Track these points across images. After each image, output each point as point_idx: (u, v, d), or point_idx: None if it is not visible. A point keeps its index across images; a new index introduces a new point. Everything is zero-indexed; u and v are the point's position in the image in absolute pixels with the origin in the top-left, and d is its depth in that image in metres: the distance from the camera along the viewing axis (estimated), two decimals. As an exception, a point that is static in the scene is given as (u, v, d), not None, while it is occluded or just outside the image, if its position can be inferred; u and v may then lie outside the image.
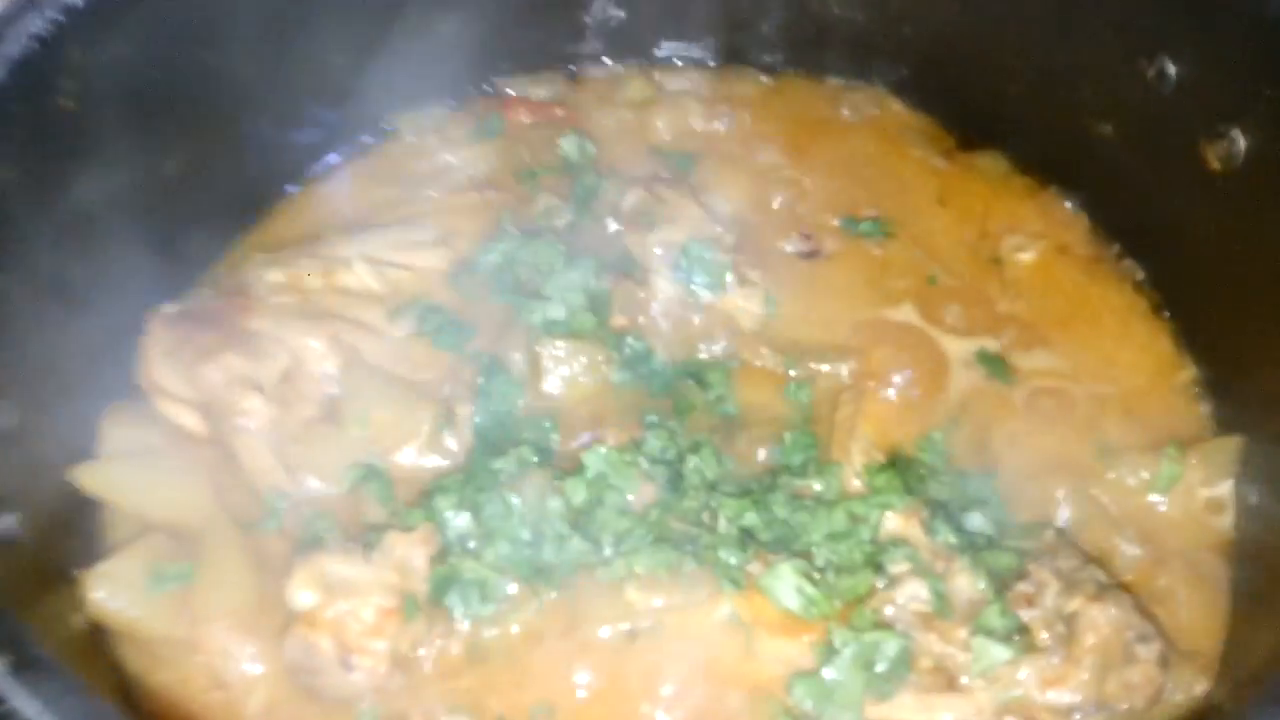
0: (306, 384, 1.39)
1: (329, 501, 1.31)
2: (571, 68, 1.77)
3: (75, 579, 1.19)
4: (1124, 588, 1.18)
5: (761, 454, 1.36)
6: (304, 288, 1.46)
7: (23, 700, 0.76)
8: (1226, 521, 1.31)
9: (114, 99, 1.30)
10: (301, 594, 1.15)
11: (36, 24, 1.22)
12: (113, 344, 1.38)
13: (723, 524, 1.26)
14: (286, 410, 1.36)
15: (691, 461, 1.29)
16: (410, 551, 1.21)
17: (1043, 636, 1.15)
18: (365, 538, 1.23)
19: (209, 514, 1.28)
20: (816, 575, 1.22)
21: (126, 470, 1.30)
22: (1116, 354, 1.47)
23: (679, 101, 1.72)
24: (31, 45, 1.21)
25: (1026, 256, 1.55)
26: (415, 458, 1.35)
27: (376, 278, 1.50)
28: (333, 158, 1.67)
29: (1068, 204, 1.59)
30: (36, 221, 1.25)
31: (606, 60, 1.77)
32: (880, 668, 1.16)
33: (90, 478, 1.28)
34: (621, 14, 1.70)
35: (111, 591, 1.18)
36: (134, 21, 1.31)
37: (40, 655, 0.80)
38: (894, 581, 1.21)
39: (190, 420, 1.37)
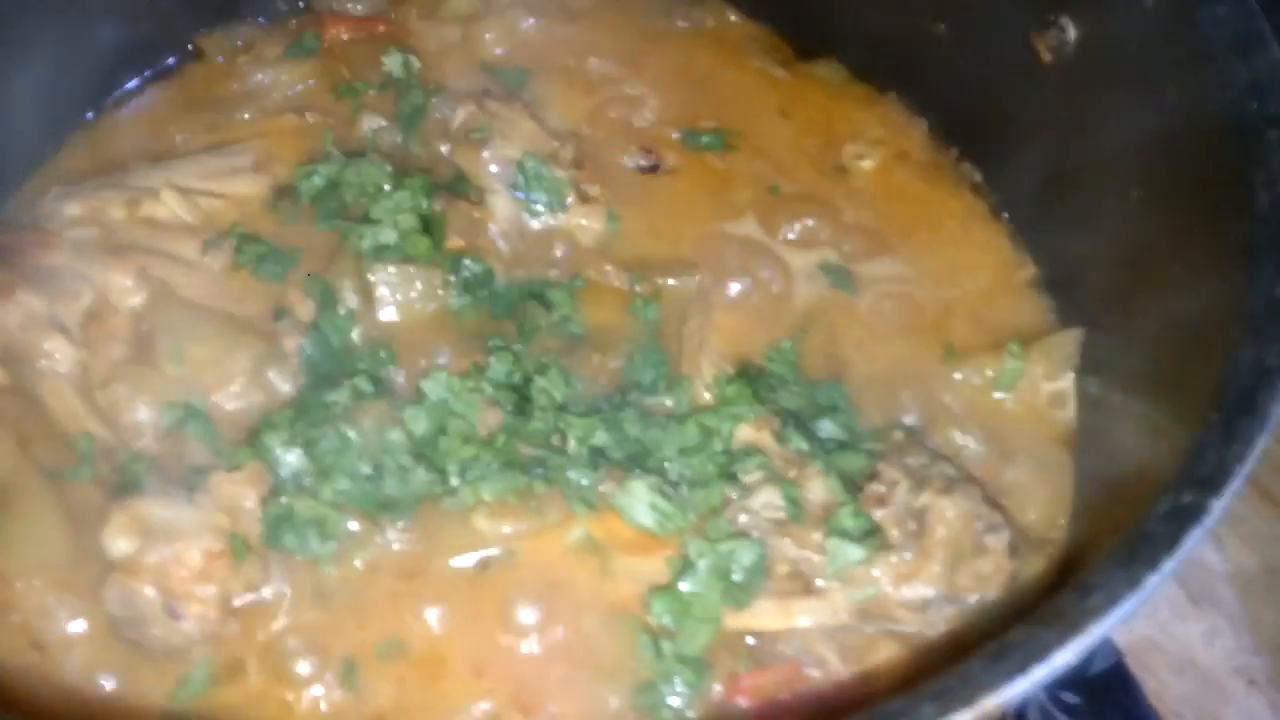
0: (114, 322, 1.28)
1: (146, 446, 1.21)
2: (392, -20, 1.67)
3: None
4: (972, 481, 1.18)
5: (611, 372, 1.32)
6: (106, 220, 1.35)
7: None
8: (1069, 414, 1.32)
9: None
10: (118, 541, 1.07)
11: None
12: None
13: (572, 445, 1.22)
14: (93, 351, 1.26)
15: (538, 383, 1.24)
16: (238, 491, 1.13)
17: (894, 534, 1.14)
18: (189, 481, 1.15)
19: (11, 465, 1.17)
20: (670, 490, 1.19)
21: (-88, 425, 1.18)
22: (958, 257, 1.47)
23: (507, 14, 1.65)
24: None
25: (867, 164, 1.54)
26: (239, 396, 1.26)
27: (187, 208, 1.39)
28: (133, 82, 1.54)
29: (905, 109, 1.58)
30: None
31: (429, -28, 1.68)
32: (737, 577, 1.14)
33: (-128, 436, 1.16)
34: (441, -83, 1.60)
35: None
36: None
37: None
38: (748, 491, 1.19)
39: (-14, 369, 1.26)
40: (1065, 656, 0.73)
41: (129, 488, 1.14)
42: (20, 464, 1.18)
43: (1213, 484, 0.84)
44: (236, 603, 1.11)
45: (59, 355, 1.24)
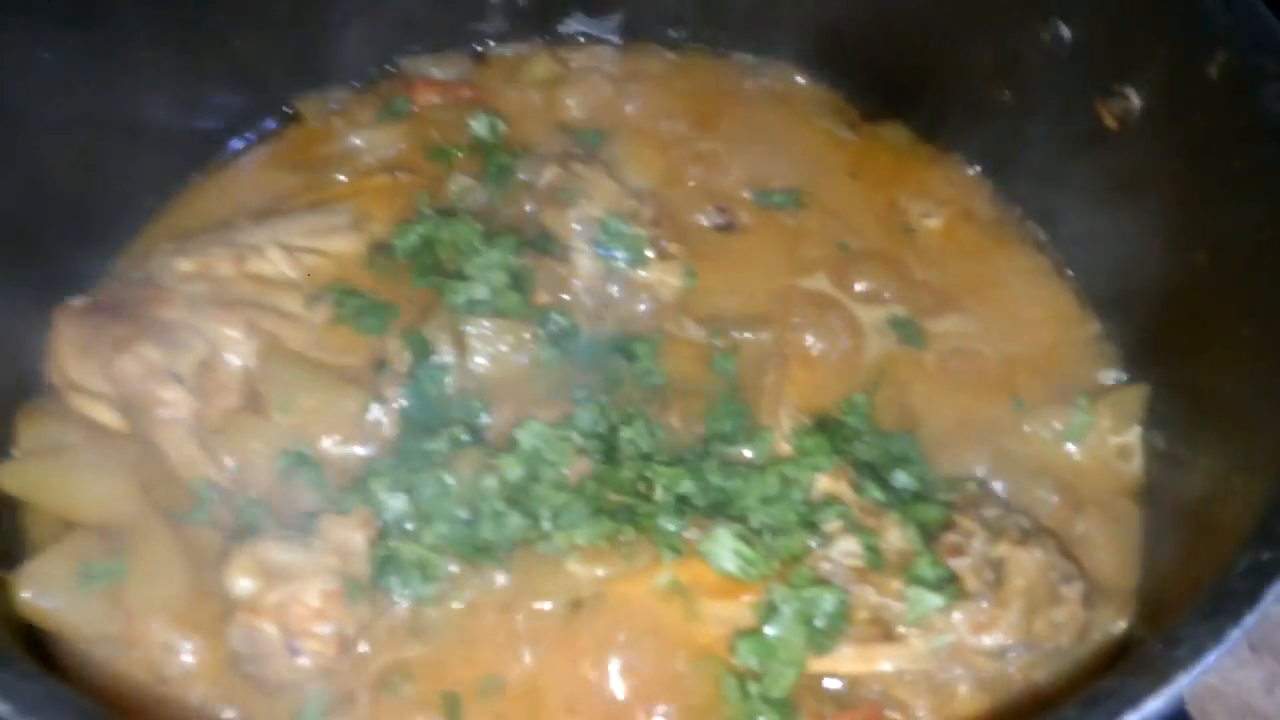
0: (225, 373, 1.36)
1: (259, 490, 1.29)
2: (476, 47, 1.76)
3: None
4: (1046, 532, 1.23)
5: (691, 423, 1.38)
6: (216, 276, 1.43)
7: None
8: (1136, 466, 1.37)
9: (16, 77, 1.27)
10: (240, 581, 1.14)
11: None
12: (19, 343, 1.35)
13: (659, 493, 1.28)
14: (207, 400, 1.34)
15: (626, 433, 1.30)
16: (348, 535, 1.20)
17: (972, 583, 1.19)
18: (301, 524, 1.22)
19: (136, 508, 1.25)
20: (753, 537, 1.25)
21: (46, 469, 1.27)
22: (1023, 313, 1.52)
23: (586, 79, 1.73)
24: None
25: (933, 223, 1.60)
26: (343, 443, 1.34)
27: (290, 264, 1.47)
28: (236, 143, 1.63)
29: (970, 170, 1.64)
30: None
31: (511, 39, 1.76)
32: (819, 622, 1.19)
33: (9, 478, 1.24)
34: (526, -9, 1.69)
35: (40, 591, 1.15)
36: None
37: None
38: (828, 539, 1.25)
39: (107, 415, 1.33)
40: (1155, 704, 0.78)
41: (247, 531, 1.21)
42: (143, 507, 1.25)
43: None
44: (349, 639, 1.17)
45: (176, 404, 1.31)
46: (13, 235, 1.32)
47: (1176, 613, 0.95)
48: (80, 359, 1.33)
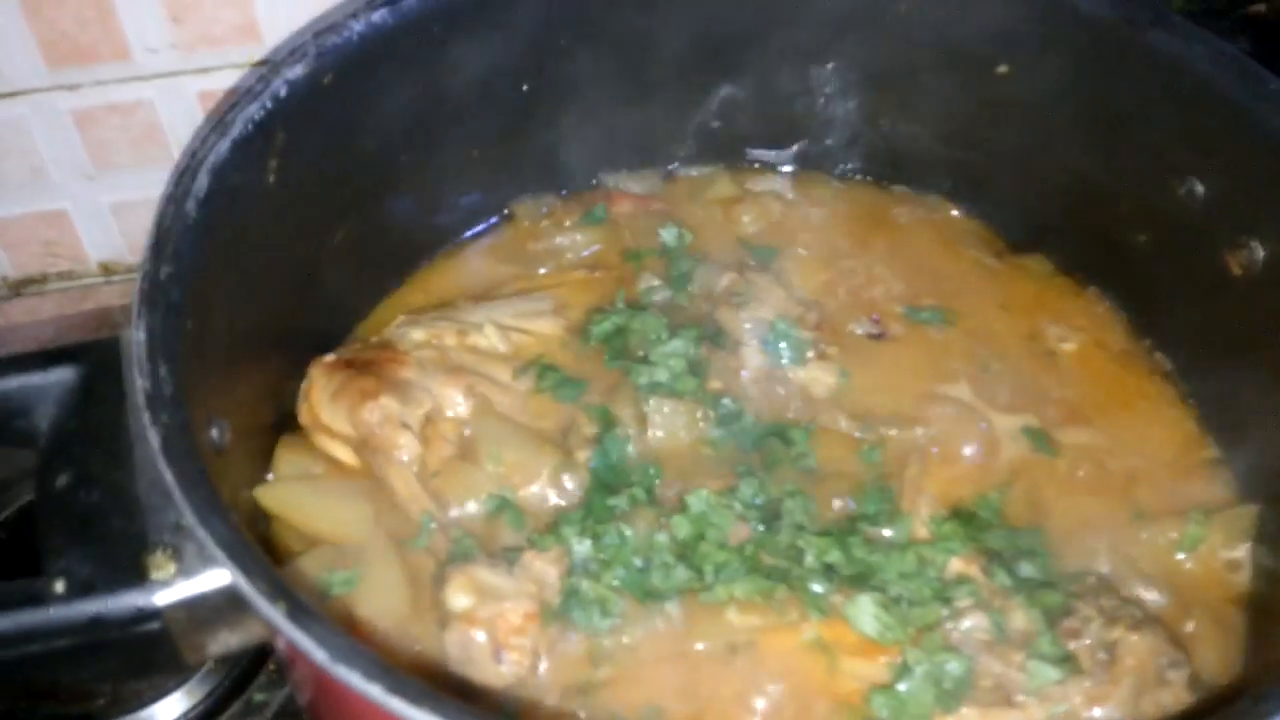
0: (445, 426, 1.60)
1: (469, 526, 1.52)
2: (668, 167, 2.02)
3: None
4: (1157, 622, 1.38)
5: (838, 504, 1.57)
6: (442, 345, 1.68)
7: (301, 637, 0.97)
8: (1244, 578, 1.50)
9: (300, 181, 1.56)
10: (459, 597, 1.35)
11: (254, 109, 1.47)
12: (283, 387, 1.62)
13: (809, 559, 1.47)
14: (429, 448, 1.58)
15: (788, 504, 1.50)
16: (545, 568, 1.41)
17: (1087, 662, 1.34)
18: (505, 556, 1.44)
19: (369, 531, 1.48)
20: (891, 605, 1.42)
21: (299, 492, 1.51)
22: (1148, 433, 1.67)
23: (761, 200, 1.97)
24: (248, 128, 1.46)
25: (1069, 347, 1.77)
26: (539, 494, 1.56)
27: (503, 340, 1.72)
28: (462, 236, 1.91)
29: (1106, 303, 1.81)
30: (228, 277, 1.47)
31: (698, 163, 2.02)
32: (947, 685, 1.35)
33: (269, 497, 1.49)
34: (718, 125, 1.94)
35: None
36: (322, 113, 1.56)
37: (305, 604, 1.01)
38: (958, 613, 1.41)
39: (344, 454, 1.58)
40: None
41: (463, 556, 1.44)
42: (375, 530, 1.49)
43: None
44: (540, 656, 1.38)
45: (406, 448, 1.55)
46: (290, 303, 1.60)
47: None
48: (329, 405, 1.59)
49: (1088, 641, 1.35)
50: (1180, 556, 1.53)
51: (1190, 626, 1.45)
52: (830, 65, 1.88)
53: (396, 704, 0.95)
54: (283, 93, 1.48)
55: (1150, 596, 1.48)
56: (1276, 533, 1.50)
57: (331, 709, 1.36)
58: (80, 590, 1.15)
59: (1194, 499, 1.59)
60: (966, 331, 1.79)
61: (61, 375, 1.34)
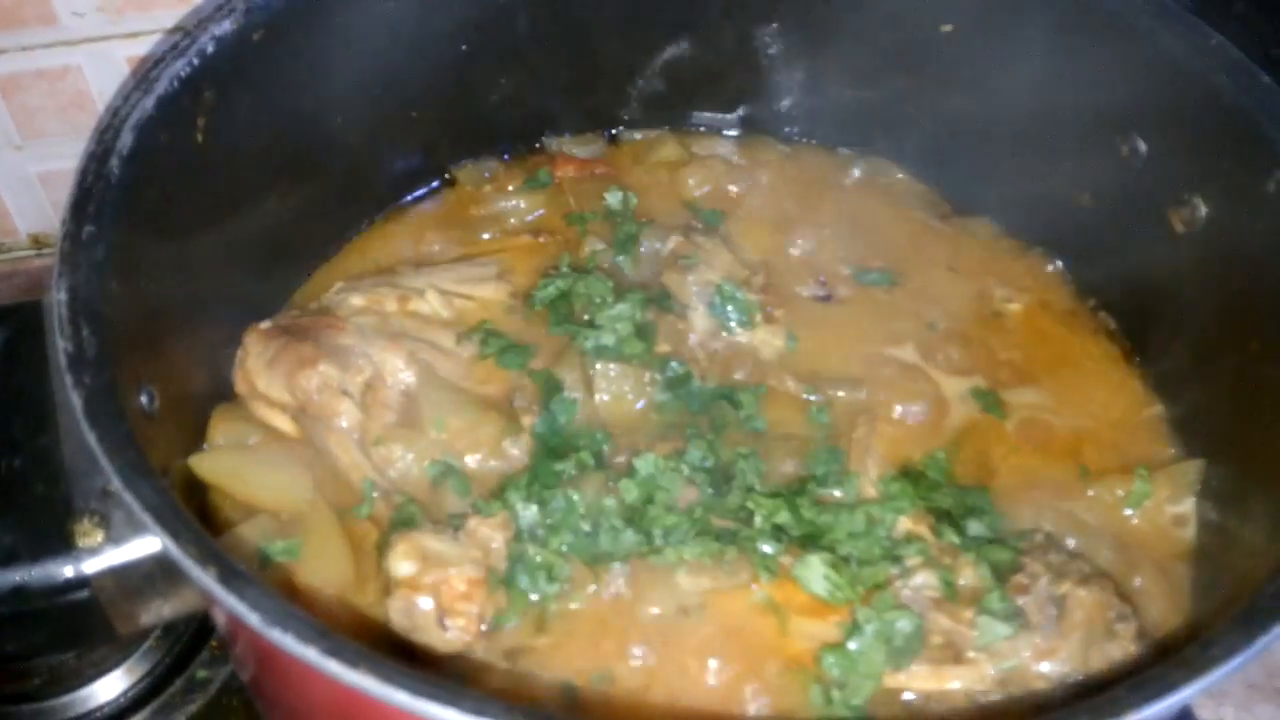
0: (386, 393, 1.56)
1: (413, 493, 1.48)
2: (612, 131, 1.99)
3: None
4: (1105, 576, 1.38)
5: (788, 466, 1.55)
6: (382, 311, 1.65)
7: (234, 602, 0.93)
8: (1189, 533, 1.51)
9: (230, 141, 1.51)
10: (402, 564, 1.32)
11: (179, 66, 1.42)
12: (216, 356, 1.57)
13: (758, 521, 1.45)
14: (369, 415, 1.54)
15: (740, 465, 1.49)
16: (491, 534, 1.39)
17: (1036, 617, 1.34)
18: (451, 522, 1.41)
19: (309, 499, 1.44)
20: (841, 565, 1.41)
21: (235, 460, 1.47)
22: (1094, 393, 1.68)
23: (707, 164, 1.95)
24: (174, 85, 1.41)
25: (1015, 308, 1.77)
26: (484, 460, 1.53)
27: (445, 306, 1.69)
28: (401, 201, 1.87)
29: (1051, 263, 1.81)
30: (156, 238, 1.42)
31: (642, 126, 1.99)
32: (898, 642, 1.35)
33: (204, 466, 1.45)
34: (663, 87, 1.92)
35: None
36: (251, 71, 1.51)
37: (238, 568, 0.97)
38: (908, 571, 1.40)
39: (283, 422, 1.54)
40: (1189, 690, 0.93)
41: (407, 523, 1.41)
42: (315, 499, 1.45)
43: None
44: (484, 624, 1.35)
45: (346, 416, 1.52)
46: (223, 267, 1.55)
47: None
48: (265, 373, 1.55)
49: (1036, 597, 1.35)
50: (1127, 512, 1.53)
51: (1138, 581, 1.45)
52: (774, 25, 1.86)
53: (334, 666, 0.92)
54: (210, 49, 1.44)
55: (1098, 552, 1.49)
56: (1220, 487, 1.50)
57: (273, 682, 1.33)
58: (3, 559, 1.10)
59: (1140, 456, 1.59)
60: (913, 293, 1.78)
61: (-19, 340, 1.29)
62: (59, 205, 2.14)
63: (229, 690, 1.70)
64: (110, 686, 1.68)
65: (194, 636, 1.74)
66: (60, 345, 1.10)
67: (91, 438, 1.04)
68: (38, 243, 2.26)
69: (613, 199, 1.85)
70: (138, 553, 1.12)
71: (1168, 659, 0.98)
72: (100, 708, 1.67)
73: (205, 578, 0.97)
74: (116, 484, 1.02)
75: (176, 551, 1.00)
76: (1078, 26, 1.62)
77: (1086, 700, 0.95)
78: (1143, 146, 1.60)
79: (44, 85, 2.02)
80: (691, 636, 1.39)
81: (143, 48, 1.99)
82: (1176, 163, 1.56)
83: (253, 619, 0.94)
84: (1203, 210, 1.52)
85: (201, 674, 1.72)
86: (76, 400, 1.06)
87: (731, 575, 1.41)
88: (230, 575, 0.96)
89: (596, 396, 1.59)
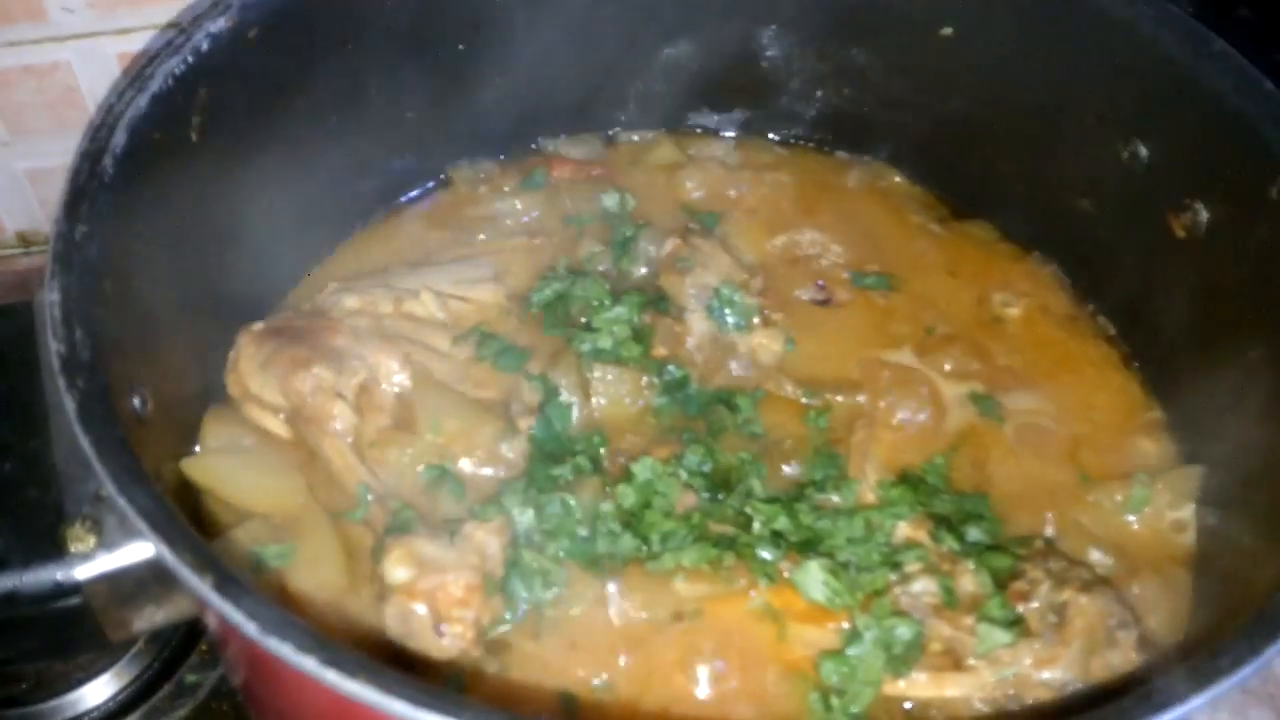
0: (381, 396, 1.55)
1: (407, 496, 1.47)
2: (608, 132, 1.97)
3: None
4: (1106, 583, 1.37)
5: (786, 470, 1.54)
6: (377, 313, 1.63)
7: (230, 610, 0.91)
8: (1189, 539, 1.51)
9: (226, 140, 1.49)
10: (397, 570, 1.30)
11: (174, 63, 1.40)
12: (208, 358, 1.55)
13: (757, 526, 1.44)
14: (364, 418, 1.52)
15: (744, 469, 1.47)
16: (487, 539, 1.37)
17: (1036, 624, 1.33)
18: (447, 527, 1.39)
19: (302, 502, 1.43)
20: (840, 571, 1.40)
21: (229, 464, 1.45)
22: (1093, 397, 1.67)
23: (704, 166, 1.93)
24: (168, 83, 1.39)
25: (1013, 312, 1.76)
26: (480, 463, 1.51)
27: (440, 308, 1.67)
28: (396, 202, 1.85)
29: (1050, 268, 1.81)
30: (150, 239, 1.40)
31: (639, 127, 1.98)
32: (897, 649, 1.34)
33: (197, 470, 1.43)
34: (661, 89, 1.90)
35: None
36: (246, 69, 1.49)
37: (234, 575, 0.96)
38: (907, 578, 1.39)
39: (276, 425, 1.53)
40: (1197, 701, 0.93)
41: (402, 528, 1.39)
42: (309, 503, 1.44)
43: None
44: (484, 628, 1.34)
45: (340, 419, 1.50)
46: (217, 268, 1.54)
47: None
48: (258, 374, 1.53)
49: (1037, 604, 1.34)
50: (1127, 518, 1.53)
51: (1138, 587, 1.45)
52: (774, 27, 1.84)
53: (332, 676, 0.90)
54: (205, 46, 1.42)
55: (1098, 558, 1.48)
56: (1220, 492, 1.50)
57: (266, 687, 1.31)
58: (-7, 565, 1.09)
59: (1139, 461, 1.59)
60: (912, 297, 1.78)
61: (-29, 342, 1.27)
62: (47, 203, 2.14)
63: (218, 695, 1.68)
64: (98, 691, 1.66)
65: (183, 640, 1.72)
66: (53, 347, 1.09)
67: (86, 442, 1.02)
68: (25, 241, 2.23)
69: (609, 201, 1.83)
70: (131, 558, 1.10)
71: (1174, 669, 0.97)
72: (88, 712, 1.65)
73: (201, 585, 0.95)
74: (110, 489, 1.00)
75: (171, 558, 0.98)
76: (1078, 30, 1.61)
77: (1093, 710, 0.94)
78: (1144, 151, 1.59)
79: (32, 81, 1.99)
80: (689, 643, 1.38)
81: (133, 44, 1.97)
82: (1178, 168, 1.55)
83: (250, 628, 0.93)
84: (1204, 215, 1.52)
85: (190, 678, 1.70)
86: (70, 404, 1.04)
87: (729, 581, 1.40)
88: (226, 582, 0.95)
89: (593, 400, 1.57)
